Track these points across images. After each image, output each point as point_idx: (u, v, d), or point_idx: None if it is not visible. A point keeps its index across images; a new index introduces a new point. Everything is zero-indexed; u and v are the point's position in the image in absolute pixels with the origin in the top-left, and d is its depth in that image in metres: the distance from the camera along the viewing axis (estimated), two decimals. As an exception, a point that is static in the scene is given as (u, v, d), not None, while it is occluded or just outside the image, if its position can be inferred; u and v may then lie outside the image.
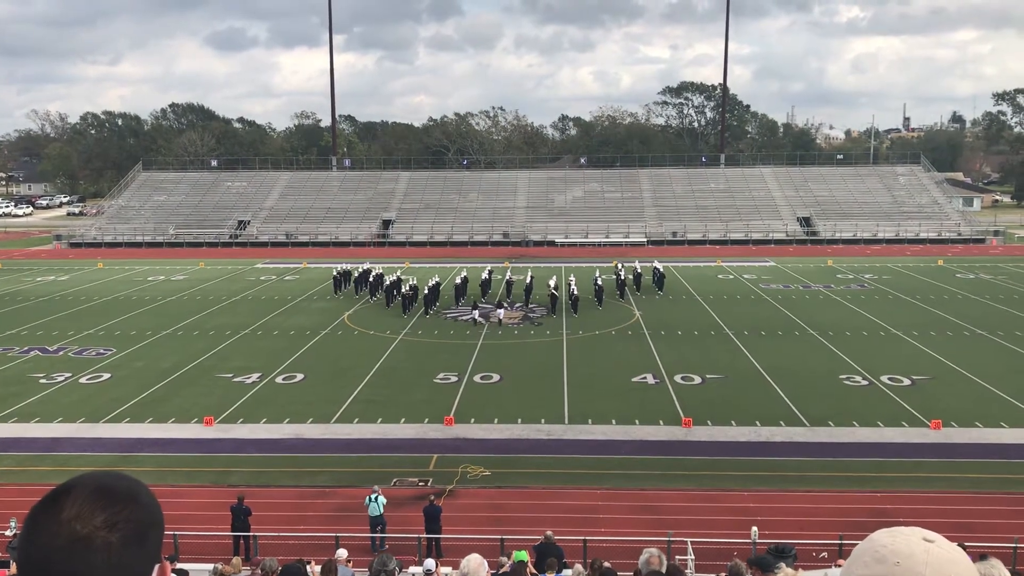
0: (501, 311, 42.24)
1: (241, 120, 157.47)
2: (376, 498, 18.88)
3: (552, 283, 46.25)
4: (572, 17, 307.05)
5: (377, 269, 51.51)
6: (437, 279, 46.79)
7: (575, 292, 44.82)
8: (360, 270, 51.77)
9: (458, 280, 48.87)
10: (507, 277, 50.87)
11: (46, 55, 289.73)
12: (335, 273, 51.89)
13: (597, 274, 49.34)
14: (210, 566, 15.00)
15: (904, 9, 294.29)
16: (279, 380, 31.28)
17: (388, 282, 47.05)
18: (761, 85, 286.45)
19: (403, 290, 45.18)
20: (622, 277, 49.03)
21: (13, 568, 13.03)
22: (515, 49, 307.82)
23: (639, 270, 52.04)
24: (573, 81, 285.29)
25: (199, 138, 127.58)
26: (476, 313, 42.20)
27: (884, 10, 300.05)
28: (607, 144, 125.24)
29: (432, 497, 19.01)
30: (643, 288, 50.33)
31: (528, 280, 47.48)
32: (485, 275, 50.26)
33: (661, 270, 51.45)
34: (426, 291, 44.44)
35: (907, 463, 22.54)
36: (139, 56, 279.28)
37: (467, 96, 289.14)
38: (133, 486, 1.88)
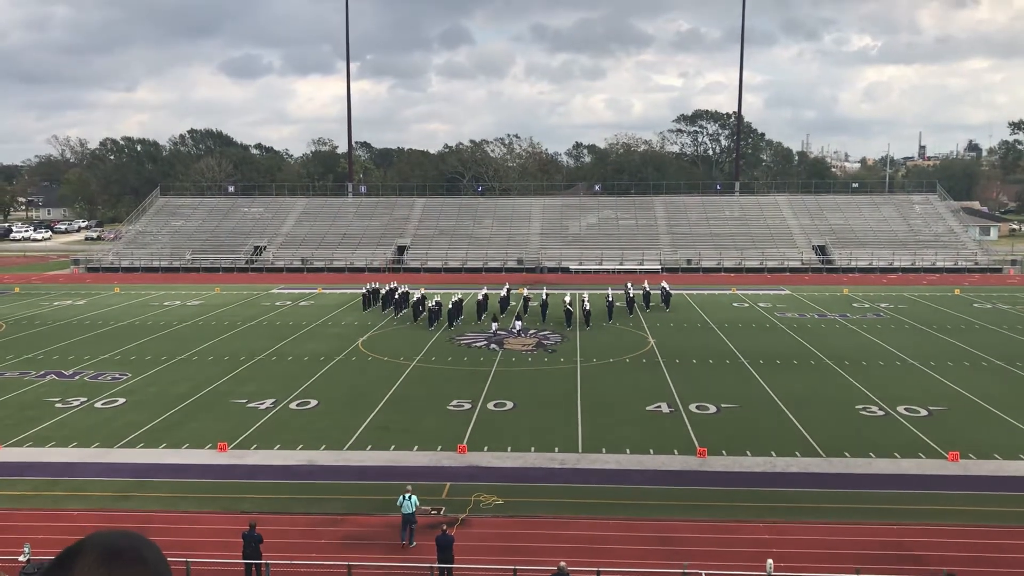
0: (519, 323, 46.36)
1: (258, 146, 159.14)
2: (409, 497, 19.71)
3: (567, 299, 49.48)
4: (581, 46, 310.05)
5: (403, 288, 54.55)
6: (460, 296, 51.12)
7: (588, 308, 48.27)
8: (387, 288, 54.93)
9: (480, 297, 51.67)
10: (524, 294, 54.19)
11: (64, 82, 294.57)
12: (365, 290, 55.62)
13: (609, 291, 52.86)
14: (222, 594, 14.96)
15: (914, 38, 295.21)
16: (293, 406, 31.30)
17: (414, 299, 50.76)
18: (774, 113, 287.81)
19: (428, 305, 48.39)
20: (631, 295, 52.96)
21: None
22: (526, 77, 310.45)
23: (648, 289, 55.18)
24: (585, 108, 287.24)
25: (216, 164, 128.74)
26: (495, 326, 45.80)
27: (894, 39, 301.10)
28: (622, 171, 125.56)
29: (445, 526, 18.90)
30: (652, 306, 53.76)
31: (544, 298, 50.91)
32: (504, 292, 53.84)
33: (668, 288, 55.52)
34: (450, 306, 48.23)
35: (925, 495, 22.28)
36: (156, 83, 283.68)
37: (481, 123, 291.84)
38: (139, 545, 1.89)
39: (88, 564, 1.81)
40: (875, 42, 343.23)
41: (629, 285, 55.50)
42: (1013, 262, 79.36)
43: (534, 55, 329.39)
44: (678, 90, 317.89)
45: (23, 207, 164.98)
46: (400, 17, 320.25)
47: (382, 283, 57.80)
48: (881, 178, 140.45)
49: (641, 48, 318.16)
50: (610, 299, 50.38)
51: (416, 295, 51.35)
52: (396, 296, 52.78)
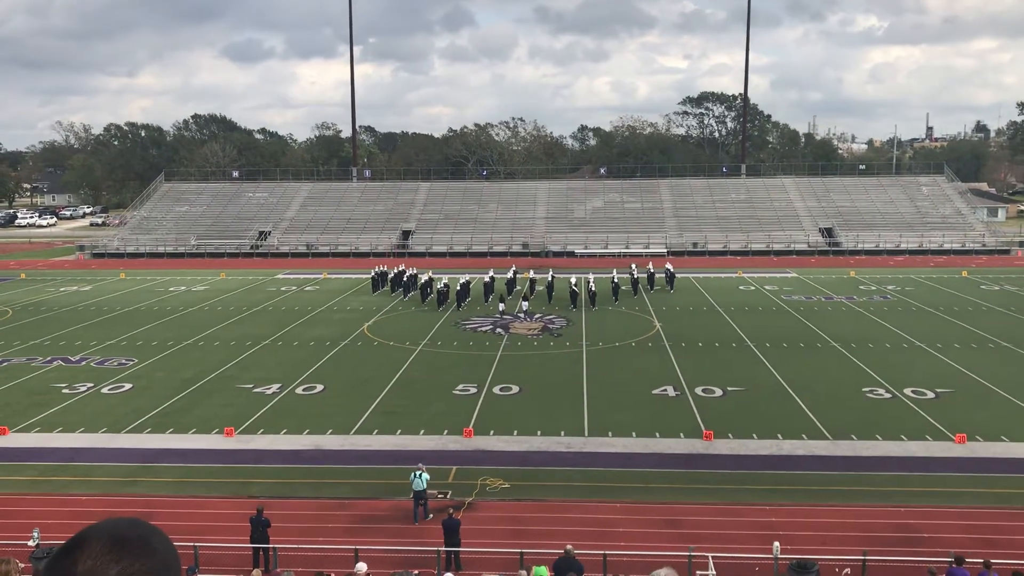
0: (526, 304, 47.52)
1: (262, 131, 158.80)
2: (420, 475, 20.06)
3: (573, 280, 50.73)
4: (585, 27, 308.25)
5: (411, 270, 55.85)
6: (467, 278, 52.30)
7: (593, 288, 49.11)
8: (396, 270, 56.27)
9: (486, 279, 52.86)
10: (531, 276, 55.03)
11: (67, 67, 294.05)
12: (373, 273, 56.98)
13: (614, 273, 54.68)
14: (229, 578, 15.02)
15: (920, 18, 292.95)
16: (299, 391, 31.34)
17: (422, 281, 51.75)
18: (780, 95, 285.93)
19: (437, 287, 49.32)
20: (635, 276, 53.76)
21: None
22: (530, 59, 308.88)
23: (652, 270, 56.78)
24: (590, 91, 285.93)
25: (220, 149, 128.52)
26: (502, 307, 46.59)
27: (900, 19, 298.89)
28: (627, 154, 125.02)
29: (451, 510, 18.93)
30: (655, 288, 54.90)
31: (549, 279, 52.45)
32: (510, 275, 55.35)
33: (672, 270, 56.26)
34: (458, 288, 49.85)
35: (932, 477, 22.25)
36: (158, 68, 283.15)
37: (485, 106, 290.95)
38: (147, 534, 1.85)
39: (95, 552, 1.78)
40: (881, 23, 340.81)
41: (634, 267, 56.17)
42: (1021, 243, 79.04)
43: (537, 37, 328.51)
44: (683, 72, 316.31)
45: (28, 193, 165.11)
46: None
47: (390, 267, 58.58)
48: (888, 160, 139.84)
49: (645, 30, 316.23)
50: (615, 281, 51.51)
51: (424, 278, 51.94)
52: (405, 278, 54.09)
